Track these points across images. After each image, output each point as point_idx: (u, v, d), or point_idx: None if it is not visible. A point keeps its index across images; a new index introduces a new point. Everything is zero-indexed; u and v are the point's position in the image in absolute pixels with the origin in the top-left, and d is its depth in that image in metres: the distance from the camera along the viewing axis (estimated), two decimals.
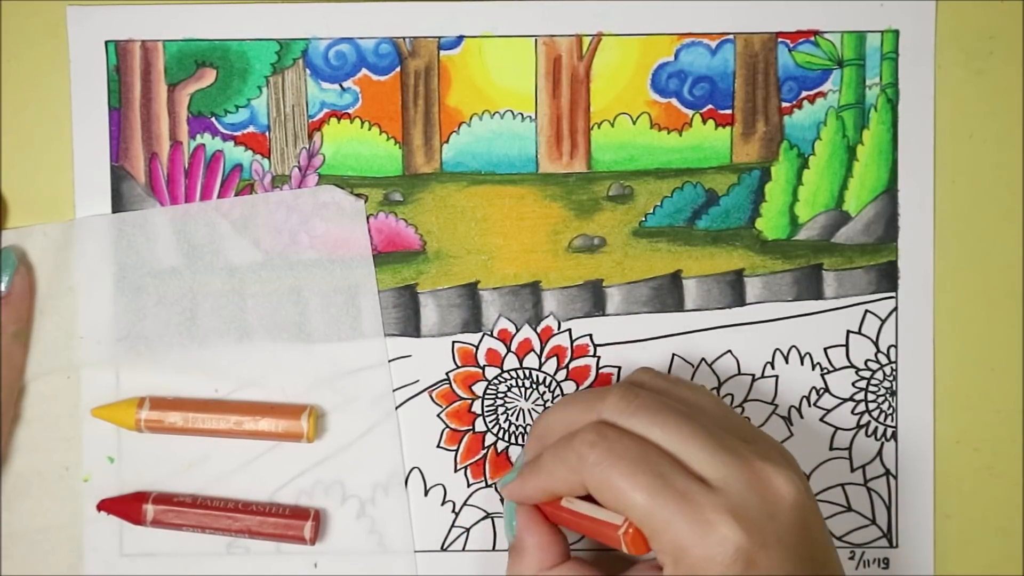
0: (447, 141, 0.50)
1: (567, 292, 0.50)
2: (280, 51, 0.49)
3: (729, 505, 0.39)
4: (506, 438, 0.50)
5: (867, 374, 0.50)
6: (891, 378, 0.50)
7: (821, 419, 0.50)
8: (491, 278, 0.50)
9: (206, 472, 0.50)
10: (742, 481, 0.40)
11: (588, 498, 0.43)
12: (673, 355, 0.50)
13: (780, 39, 0.50)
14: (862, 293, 0.50)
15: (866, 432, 0.50)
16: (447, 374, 0.50)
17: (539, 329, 0.50)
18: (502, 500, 0.50)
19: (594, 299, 0.50)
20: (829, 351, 0.50)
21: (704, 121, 0.50)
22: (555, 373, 0.50)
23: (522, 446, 0.50)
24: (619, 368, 0.50)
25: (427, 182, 0.50)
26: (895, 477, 0.50)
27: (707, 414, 0.43)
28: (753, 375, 0.50)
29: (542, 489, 0.43)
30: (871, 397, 0.50)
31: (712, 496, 0.39)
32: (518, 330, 0.50)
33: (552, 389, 0.50)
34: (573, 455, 0.41)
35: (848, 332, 0.50)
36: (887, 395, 0.50)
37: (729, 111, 0.50)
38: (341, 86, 0.49)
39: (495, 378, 0.50)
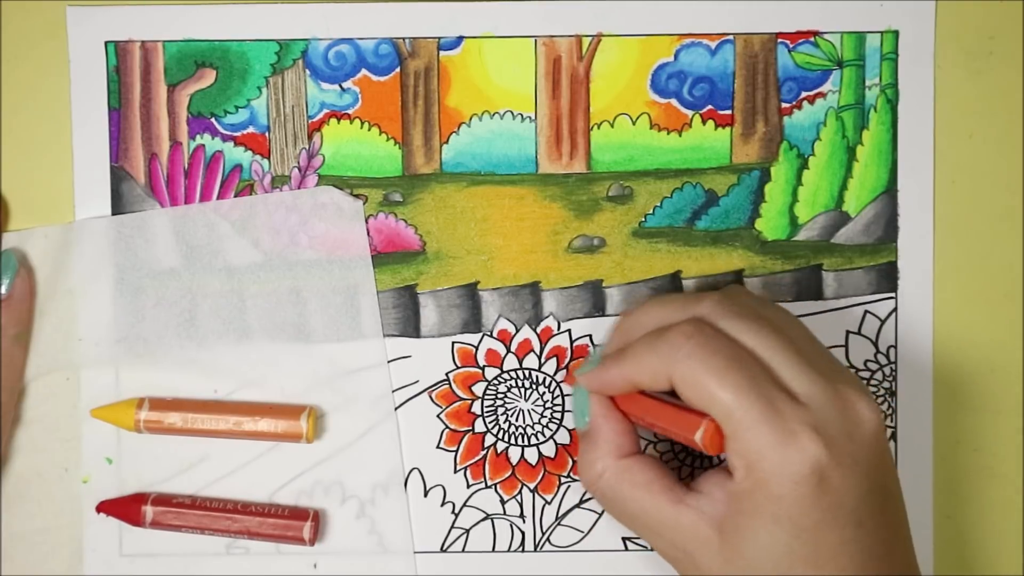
0: (447, 141, 0.50)
1: (567, 292, 0.50)
2: (280, 51, 0.49)
3: (813, 420, 0.40)
4: (506, 439, 0.50)
5: (867, 374, 0.50)
6: (891, 378, 0.50)
7: None
8: (491, 278, 0.50)
9: (205, 473, 0.50)
10: (827, 400, 0.40)
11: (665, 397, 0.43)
12: None
13: (780, 39, 0.50)
14: (862, 293, 0.50)
15: None
16: (447, 374, 0.50)
17: (539, 329, 0.50)
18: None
19: (594, 299, 0.50)
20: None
21: (704, 121, 0.50)
22: (555, 374, 0.50)
23: (522, 447, 0.50)
24: None
25: (427, 182, 0.50)
26: None
27: (798, 333, 0.43)
28: None
29: (625, 378, 0.43)
30: None
31: (798, 409, 0.40)
32: (518, 330, 0.50)
33: (552, 390, 0.50)
34: (666, 345, 0.42)
35: (848, 332, 0.50)
36: (887, 395, 0.50)
37: (729, 111, 0.50)
38: (341, 86, 0.49)
39: (495, 378, 0.50)
